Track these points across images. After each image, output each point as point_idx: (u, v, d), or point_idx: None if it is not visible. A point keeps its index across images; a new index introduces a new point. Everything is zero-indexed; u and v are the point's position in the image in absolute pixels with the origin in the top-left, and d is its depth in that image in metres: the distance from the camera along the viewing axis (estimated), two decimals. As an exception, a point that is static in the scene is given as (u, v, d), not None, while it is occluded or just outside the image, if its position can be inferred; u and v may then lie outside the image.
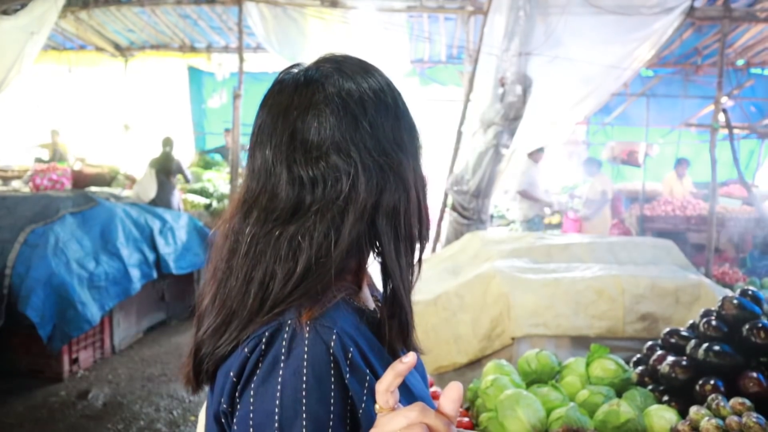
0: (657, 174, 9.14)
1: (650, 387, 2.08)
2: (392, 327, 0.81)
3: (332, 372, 0.70)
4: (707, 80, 8.40)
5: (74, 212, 4.67)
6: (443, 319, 2.92)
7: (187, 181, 7.30)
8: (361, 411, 0.71)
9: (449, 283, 3.11)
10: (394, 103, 0.83)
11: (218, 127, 10.44)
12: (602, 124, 9.86)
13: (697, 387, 1.85)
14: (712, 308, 2.10)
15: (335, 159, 0.77)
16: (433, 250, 5.25)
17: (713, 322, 2.00)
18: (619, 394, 2.03)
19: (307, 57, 0.88)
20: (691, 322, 2.22)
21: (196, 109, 10.88)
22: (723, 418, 1.62)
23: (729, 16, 5.72)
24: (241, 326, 0.75)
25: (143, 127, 10.34)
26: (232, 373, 0.72)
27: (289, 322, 0.72)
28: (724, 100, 5.89)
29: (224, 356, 0.75)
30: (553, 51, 5.04)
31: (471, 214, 5.02)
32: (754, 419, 1.56)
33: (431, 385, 2.14)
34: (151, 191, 6.49)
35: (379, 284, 0.90)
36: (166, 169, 6.81)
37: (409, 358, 0.63)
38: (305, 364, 0.69)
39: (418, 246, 0.85)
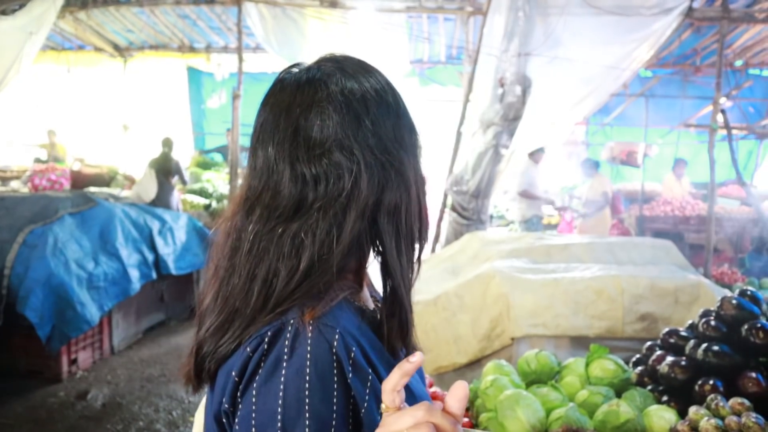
0: (656, 174, 9.15)
1: (649, 387, 2.08)
2: (392, 326, 0.81)
3: (335, 371, 0.70)
4: (706, 81, 8.40)
5: (73, 212, 4.67)
6: (443, 319, 2.93)
7: (183, 183, 7.29)
8: (363, 411, 0.71)
9: (449, 284, 3.11)
10: (395, 102, 0.84)
11: (217, 128, 10.44)
12: (601, 124, 9.87)
13: (697, 387, 1.85)
14: (711, 308, 2.10)
15: (338, 156, 0.77)
16: (433, 250, 5.26)
17: (712, 323, 2.00)
18: (618, 395, 2.03)
19: (307, 57, 0.88)
20: (690, 322, 2.22)
21: (196, 109, 10.88)
22: (722, 418, 1.62)
23: (728, 17, 5.73)
24: (244, 325, 0.74)
25: (142, 127, 10.34)
26: (233, 373, 0.72)
27: (292, 321, 0.72)
28: (722, 100, 5.89)
29: (226, 356, 0.75)
30: (553, 51, 5.05)
31: (470, 214, 5.03)
32: (753, 419, 1.56)
33: (431, 386, 2.14)
34: (151, 192, 6.49)
35: (377, 284, 0.91)
36: (165, 170, 6.81)
37: (417, 358, 0.63)
38: (308, 363, 0.69)
39: (417, 245, 0.85)
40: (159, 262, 5.18)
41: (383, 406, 0.65)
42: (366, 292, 0.90)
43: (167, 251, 5.32)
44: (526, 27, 4.83)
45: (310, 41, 7.02)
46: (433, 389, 2.09)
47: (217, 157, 9.68)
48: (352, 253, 0.79)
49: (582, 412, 1.85)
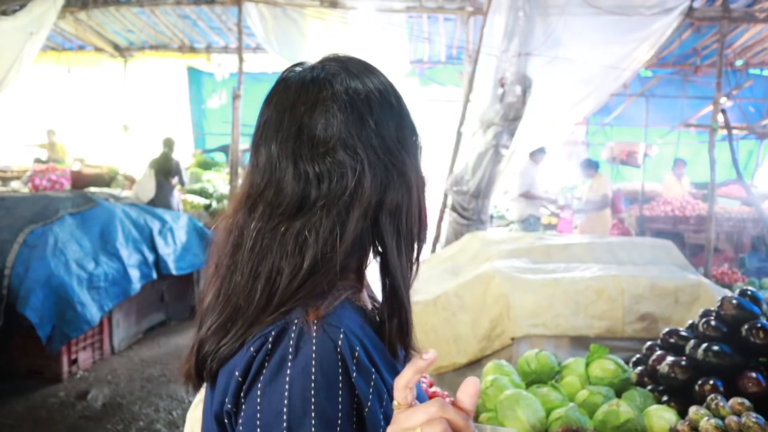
0: (656, 174, 9.15)
1: (650, 387, 2.08)
2: (392, 326, 0.81)
3: (340, 371, 0.70)
4: (706, 81, 8.41)
5: (73, 213, 4.67)
6: (443, 319, 2.93)
7: (182, 183, 7.29)
8: (366, 410, 0.71)
9: (449, 284, 3.11)
10: (398, 103, 0.84)
11: (218, 128, 10.44)
12: (601, 124, 9.87)
13: (697, 387, 1.85)
14: (712, 308, 2.10)
15: (342, 155, 0.77)
16: (433, 250, 5.26)
17: (712, 323, 2.00)
18: (618, 395, 2.03)
19: (307, 57, 0.88)
20: (690, 322, 2.22)
21: (196, 109, 10.88)
22: (722, 418, 1.62)
23: (728, 17, 5.73)
24: (247, 324, 0.74)
25: (142, 127, 10.34)
26: (237, 373, 0.72)
27: (296, 321, 0.72)
28: (723, 100, 5.89)
29: (228, 355, 0.75)
30: (553, 51, 5.05)
31: (471, 214, 5.03)
32: (753, 419, 1.56)
33: (431, 386, 2.14)
34: (149, 192, 6.49)
35: (373, 285, 0.91)
36: (164, 170, 6.81)
37: (430, 355, 0.64)
38: (313, 362, 0.69)
39: (417, 245, 0.85)
40: (159, 263, 5.18)
41: (395, 403, 0.65)
42: (365, 293, 0.90)
43: (167, 251, 5.32)
44: (526, 27, 4.83)
45: (311, 41, 7.02)
46: (433, 389, 2.09)
47: (220, 157, 9.67)
48: (354, 252, 0.79)
49: (582, 412, 1.85)
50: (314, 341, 0.70)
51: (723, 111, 5.50)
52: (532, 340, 2.65)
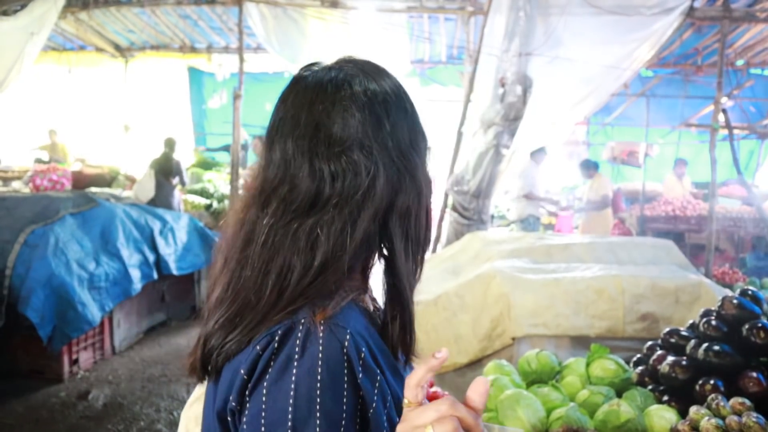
0: (657, 174, 9.15)
1: (650, 387, 2.08)
2: (394, 328, 0.81)
3: (346, 371, 0.70)
4: (707, 80, 8.40)
5: (74, 213, 4.67)
6: (443, 319, 2.93)
7: (182, 183, 7.29)
8: (371, 411, 0.71)
9: (449, 284, 3.11)
10: (411, 107, 0.86)
11: (218, 128, 10.45)
12: (602, 124, 9.86)
13: (697, 387, 1.85)
14: (712, 308, 2.10)
15: (357, 155, 0.78)
16: (434, 250, 5.25)
17: (713, 322, 2.00)
18: (619, 394, 2.03)
19: (307, 57, 0.89)
20: (691, 322, 2.22)
21: (197, 109, 10.89)
22: (723, 418, 1.62)
23: (729, 17, 5.72)
24: (256, 321, 0.74)
25: (143, 127, 10.35)
26: (242, 371, 0.72)
27: (303, 320, 0.72)
28: (723, 100, 5.88)
29: (235, 351, 0.75)
30: (553, 51, 5.04)
31: (471, 214, 5.03)
32: (754, 419, 1.56)
33: (431, 386, 2.13)
34: (149, 192, 6.50)
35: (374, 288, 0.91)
36: (165, 170, 6.81)
37: (443, 354, 0.65)
38: (320, 363, 0.69)
39: (423, 249, 0.86)
40: (160, 263, 5.18)
41: (405, 401, 0.66)
42: (368, 294, 0.90)
43: (168, 251, 5.32)
44: (526, 27, 4.83)
45: (311, 41, 7.02)
46: (433, 389, 2.09)
47: (223, 157, 9.66)
48: (361, 253, 0.80)
49: (582, 412, 1.85)
50: (321, 341, 0.70)
51: (724, 111, 5.49)
52: (533, 339, 2.65)
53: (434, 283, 3.20)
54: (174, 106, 10.78)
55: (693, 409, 1.71)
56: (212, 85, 10.34)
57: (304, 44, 7.03)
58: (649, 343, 2.29)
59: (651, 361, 2.12)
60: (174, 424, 3.70)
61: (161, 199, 6.56)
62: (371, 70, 0.84)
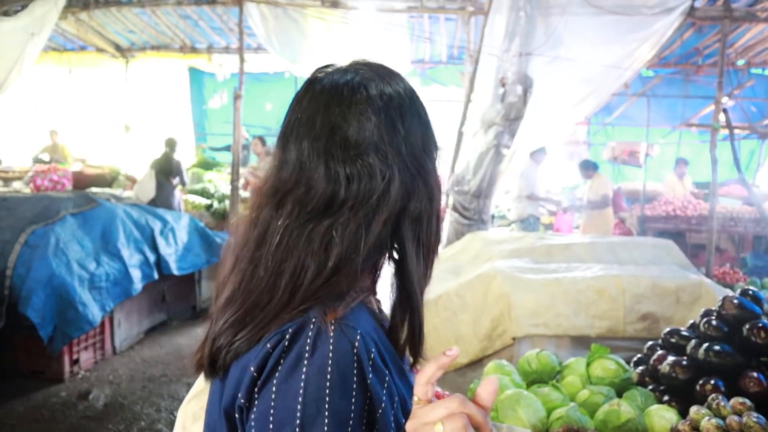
0: (658, 174, 9.14)
1: (651, 387, 2.08)
2: (403, 331, 0.82)
3: (355, 372, 0.70)
4: (708, 80, 8.40)
5: (75, 213, 4.67)
6: (444, 319, 2.93)
7: (182, 184, 7.29)
8: (380, 412, 0.72)
9: (450, 283, 3.11)
10: (424, 111, 0.86)
11: (219, 128, 10.46)
12: (603, 124, 9.86)
13: (698, 387, 1.85)
14: (713, 308, 2.10)
15: (373, 159, 0.78)
16: (434, 250, 5.24)
17: (714, 322, 2.00)
18: (619, 394, 2.03)
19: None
20: (691, 321, 2.22)
21: (197, 109, 10.90)
22: (723, 418, 1.62)
23: (729, 16, 5.72)
24: (267, 320, 0.74)
25: (144, 127, 10.35)
26: (252, 368, 0.72)
27: (314, 319, 0.72)
28: (724, 100, 5.88)
29: (245, 350, 0.75)
30: (554, 51, 5.04)
31: (472, 214, 5.03)
32: (755, 419, 1.56)
33: (432, 385, 2.14)
34: (149, 192, 6.50)
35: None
36: (165, 170, 6.82)
37: (453, 351, 0.67)
38: (330, 362, 0.69)
39: (433, 253, 0.87)
40: (161, 263, 5.18)
41: (415, 398, 0.67)
42: (374, 297, 0.91)
43: (169, 252, 5.32)
44: (527, 27, 4.83)
45: (312, 41, 7.02)
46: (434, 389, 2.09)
47: (223, 156, 9.65)
48: (372, 256, 0.80)
49: (583, 412, 1.85)
50: (331, 341, 0.70)
51: (725, 110, 5.49)
52: (533, 339, 2.65)
53: (434, 282, 3.16)
54: (174, 107, 10.78)
55: (693, 409, 1.71)
56: (213, 86, 10.35)
57: (305, 44, 7.04)
58: (650, 343, 2.29)
59: (651, 361, 2.12)
60: (174, 424, 3.69)
61: (162, 199, 6.56)
62: (386, 74, 0.84)
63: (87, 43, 9.44)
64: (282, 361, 0.70)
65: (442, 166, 0.92)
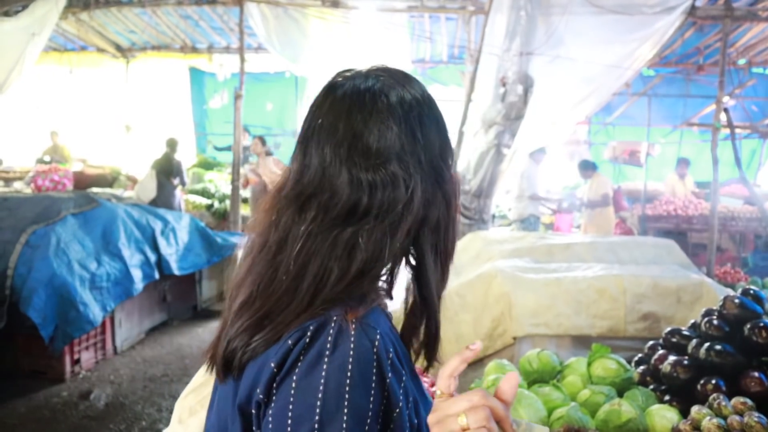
0: (659, 173, 9.13)
1: (652, 386, 2.07)
2: (419, 335, 0.85)
3: (375, 371, 0.71)
4: (709, 80, 8.39)
5: (76, 213, 4.67)
6: (444, 318, 2.89)
7: (182, 184, 7.29)
8: (397, 411, 0.72)
9: (450, 283, 3.08)
10: (441, 117, 0.87)
11: (220, 128, 10.46)
12: (604, 123, 9.85)
13: (699, 386, 1.85)
14: (714, 308, 2.09)
15: (395, 168, 0.79)
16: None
17: (715, 322, 2.00)
18: (620, 394, 2.02)
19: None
20: (692, 321, 2.21)
21: (198, 109, 10.90)
22: (724, 418, 1.61)
23: (730, 16, 5.71)
24: (286, 322, 0.75)
25: (145, 127, 10.36)
26: (272, 363, 0.72)
27: (335, 318, 0.73)
28: (725, 99, 5.88)
29: (263, 350, 0.75)
30: (555, 51, 5.04)
31: (473, 214, 5.02)
32: (756, 419, 1.55)
33: (432, 385, 2.14)
34: (150, 192, 6.51)
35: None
36: (166, 170, 6.82)
37: (477, 345, 0.70)
38: (351, 360, 0.70)
39: (450, 260, 0.88)
40: (161, 263, 5.18)
41: (438, 392, 0.69)
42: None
43: (170, 251, 5.32)
44: (527, 26, 4.83)
45: (312, 41, 7.02)
46: (434, 388, 2.09)
47: (224, 156, 9.64)
48: (391, 261, 0.82)
49: (584, 412, 1.85)
50: (352, 339, 0.71)
51: (726, 110, 5.49)
52: (534, 339, 2.65)
53: (435, 282, 3.19)
54: (175, 107, 10.78)
55: (694, 409, 1.71)
56: (213, 85, 10.35)
57: (305, 44, 7.03)
58: (651, 342, 2.29)
59: (652, 361, 2.11)
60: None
61: (162, 199, 6.56)
62: (406, 81, 0.84)
63: (88, 43, 9.45)
64: (302, 357, 0.71)
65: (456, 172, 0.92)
